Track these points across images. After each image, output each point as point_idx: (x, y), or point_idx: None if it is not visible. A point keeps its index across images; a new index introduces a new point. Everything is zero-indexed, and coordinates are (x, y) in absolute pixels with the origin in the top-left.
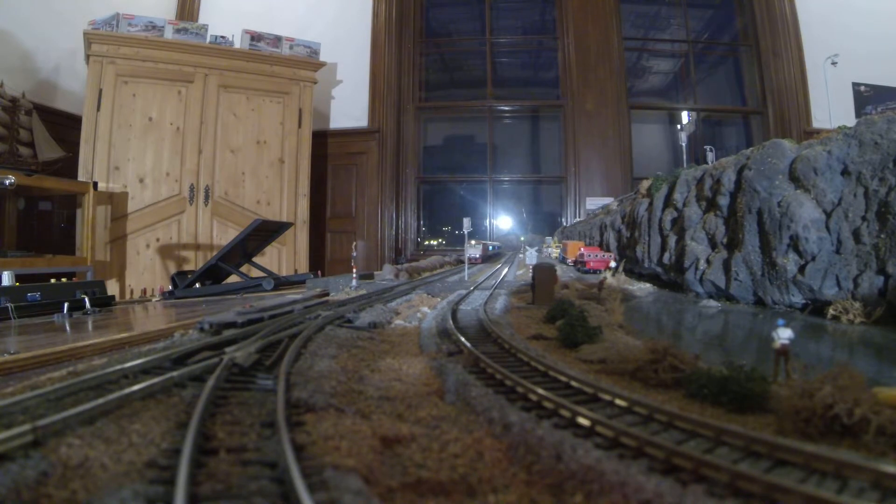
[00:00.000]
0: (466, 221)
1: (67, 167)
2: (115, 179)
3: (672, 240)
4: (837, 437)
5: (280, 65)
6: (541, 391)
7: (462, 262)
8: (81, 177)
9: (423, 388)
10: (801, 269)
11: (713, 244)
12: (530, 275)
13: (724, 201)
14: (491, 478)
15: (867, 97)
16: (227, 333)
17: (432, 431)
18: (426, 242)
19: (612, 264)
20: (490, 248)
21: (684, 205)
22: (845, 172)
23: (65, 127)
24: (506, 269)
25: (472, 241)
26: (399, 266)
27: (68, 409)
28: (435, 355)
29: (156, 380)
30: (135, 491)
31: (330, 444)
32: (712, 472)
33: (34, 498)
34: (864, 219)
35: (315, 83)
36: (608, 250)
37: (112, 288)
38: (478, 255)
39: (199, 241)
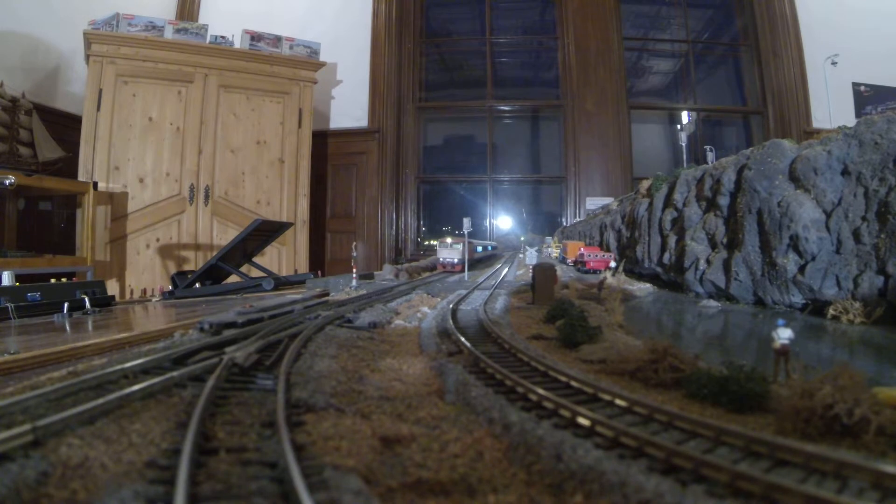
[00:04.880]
0: (466, 221)
1: (67, 167)
2: (115, 179)
3: (672, 240)
4: (837, 437)
5: (280, 65)
6: (541, 391)
7: (434, 269)
8: (81, 177)
9: (423, 388)
10: (801, 269)
11: (713, 244)
12: (530, 275)
13: (724, 201)
14: (491, 478)
15: (867, 97)
16: (227, 333)
17: (432, 431)
18: (426, 242)
19: (612, 264)
20: (480, 248)
21: (684, 205)
22: (845, 172)
23: (65, 127)
24: (505, 270)
25: (449, 239)
26: (399, 266)
27: (68, 409)
28: (435, 355)
29: (156, 380)
30: (135, 491)
31: (330, 444)
32: (712, 472)
33: (34, 498)
34: (864, 219)
35: (315, 83)
36: (608, 250)
37: (112, 288)
38: (456, 260)
39: (199, 241)
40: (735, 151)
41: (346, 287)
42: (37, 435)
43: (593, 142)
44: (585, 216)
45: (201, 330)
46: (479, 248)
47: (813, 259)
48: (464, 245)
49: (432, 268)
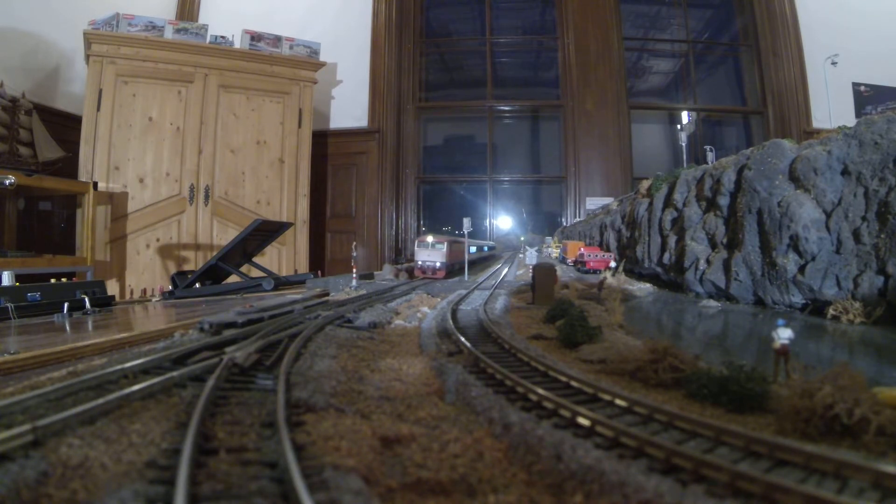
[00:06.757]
0: (466, 221)
1: (67, 167)
2: (115, 179)
3: (672, 240)
4: (837, 437)
5: (280, 65)
6: (541, 391)
7: (413, 274)
8: (81, 177)
9: (423, 388)
10: (801, 269)
11: (713, 244)
12: (530, 275)
13: (724, 201)
14: (491, 478)
15: (867, 97)
16: (227, 333)
17: (432, 431)
18: None
19: (612, 264)
20: (474, 248)
21: (684, 205)
22: (845, 172)
23: (65, 127)
24: (505, 270)
25: (429, 238)
26: (399, 266)
27: (68, 409)
28: (435, 355)
29: (156, 380)
30: (135, 491)
31: (330, 444)
32: (712, 472)
33: (34, 498)
34: (864, 219)
35: (315, 83)
36: (608, 250)
37: (112, 288)
38: (438, 264)
39: (199, 241)
40: (735, 151)
41: (346, 287)
42: (37, 435)
43: (593, 142)
44: (585, 216)
45: (201, 330)
46: (474, 249)
47: (813, 259)
48: (448, 245)
49: None
